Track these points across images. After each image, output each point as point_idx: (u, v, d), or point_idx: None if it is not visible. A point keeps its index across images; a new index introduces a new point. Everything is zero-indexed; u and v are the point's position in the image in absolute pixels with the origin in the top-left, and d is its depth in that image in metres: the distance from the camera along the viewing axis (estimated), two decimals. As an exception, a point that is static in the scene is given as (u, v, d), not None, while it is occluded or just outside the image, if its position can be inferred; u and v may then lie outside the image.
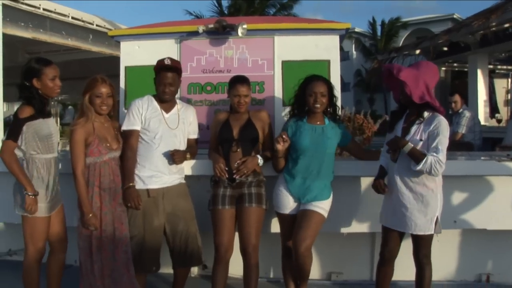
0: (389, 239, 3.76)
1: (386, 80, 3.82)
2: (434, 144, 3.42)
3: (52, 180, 3.71)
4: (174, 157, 3.78)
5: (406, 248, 4.56)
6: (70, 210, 3.84)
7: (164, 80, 3.83)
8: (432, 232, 3.57)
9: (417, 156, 3.42)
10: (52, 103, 3.68)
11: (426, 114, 3.56)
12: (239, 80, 3.95)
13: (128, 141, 3.82)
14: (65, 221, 3.89)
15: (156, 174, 3.82)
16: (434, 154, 3.37)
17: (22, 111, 3.56)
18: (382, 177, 3.81)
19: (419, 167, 3.40)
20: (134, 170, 3.81)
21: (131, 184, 3.75)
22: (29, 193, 3.52)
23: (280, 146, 3.70)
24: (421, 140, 3.49)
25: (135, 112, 3.85)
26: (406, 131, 3.59)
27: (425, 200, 3.52)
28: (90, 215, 3.61)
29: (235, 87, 3.91)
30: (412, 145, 3.46)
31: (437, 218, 3.56)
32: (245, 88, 3.91)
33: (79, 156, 3.63)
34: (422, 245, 3.61)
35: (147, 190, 3.79)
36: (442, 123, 3.47)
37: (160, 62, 3.89)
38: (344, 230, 4.28)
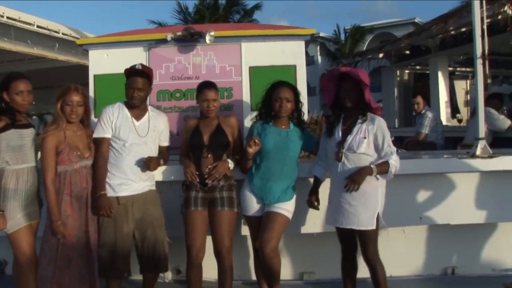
0: (342, 237, 3.89)
1: (326, 84, 3.89)
2: (385, 146, 3.64)
3: (28, 189, 3.72)
4: (149, 163, 3.82)
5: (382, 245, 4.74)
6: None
7: (133, 84, 3.86)
8: (373, 228, 3.69)
9: (384, 170, 3.61)
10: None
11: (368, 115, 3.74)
12: (206, 85, 4.02)
13: (99, 149, 3.84)
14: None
15: (125, 182, 3.85)
16: (391, 155, 3.60)
17: None
18: (315, 191, 3.98)
19: (391, 175, 3.64)
20: (105, 179, 3.83)
21: (102, 192, 3.77)
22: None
23: (252, 150, 3.77)
24: (364, 138, 3.65)
25: (106, 120, 3.87)
26: (348, 132, 3.73)
27: (368, 196, 3.66)
28: (59, 222, 3.62)
29: (203, 92, 3.97)
30: (375, 167, 3.60)
31: (378, 214, 3.70)
32: (213, 93, 3.97)
33: (49, 164, 3.66)
34: (367, 242, 3.72)
35: (117, 197, 3.83)
36: (382, 122, 3.71)
37: (131, 67, 3.93)
38: (314, 230, 4.36)
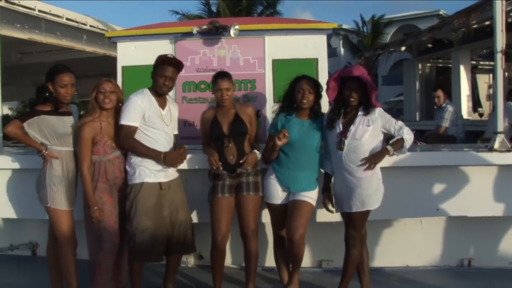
0: (345, 224, 4.03)
1: (334, 81, 4.00)
2: (392, 124, 3.88)
3: (69, 173, 3.94)
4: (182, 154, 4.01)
5: (391, 236, 4.82)
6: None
7: (164, 73, 3.94)
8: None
9: (399, 146, 3.85)
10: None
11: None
12: (220, 75, 4.10)
13: (127, 136, 3.89)
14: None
15: (163, 168, 3.95)
16: (402, 129, 3.87)
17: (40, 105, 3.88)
18: (327, 187, 4.13)
19: (405, 150, 3.88)
20: (149, 148, 3.91)
21: (162, 153, 3.89)
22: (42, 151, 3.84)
23: (280, 142, 3.87)
24: (368, 126, 3.83)
25: (137, 108, 3.88)
26: (349, 123, 3.88)
27: (361, 183, 3.82)
28: (95, 208, 3.82)
29: (217, 82, 4.06)
30: (390, 147, 3.84)
31: (363, 201, 3.83)
32: (226, 82, 4.04)
33: (86, 153, 3.85)
34: (350, 225, 3.93)
35: (160, 183, 3.93)
36: (380, 109, 3.92)
37: (163, 56, 4.02)
38: (332, 219, 4.44)
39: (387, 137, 3.99)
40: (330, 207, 4.12)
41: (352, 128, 3.84)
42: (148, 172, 3.90)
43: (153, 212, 3.88)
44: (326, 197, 4.11)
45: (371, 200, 3.83)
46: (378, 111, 3.87)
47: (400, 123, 3.90)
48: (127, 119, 3.89)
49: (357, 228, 3.91)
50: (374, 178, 3.85)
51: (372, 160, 3.79)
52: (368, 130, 3.81)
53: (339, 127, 3.92)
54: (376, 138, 3.87)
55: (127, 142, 3.90)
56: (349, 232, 3.94)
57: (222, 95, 4.02)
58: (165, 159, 3.89)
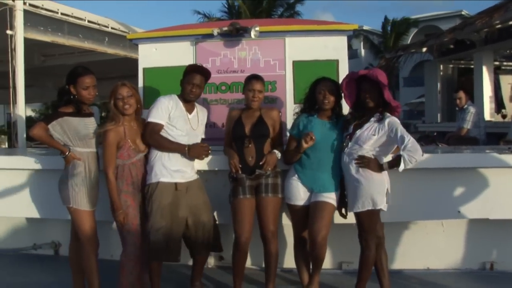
0: (357, 225, 4.03)
1: (346, 86, 4.01)
2: (398, 138, 3.71)
3: (91, 174, 3.97)
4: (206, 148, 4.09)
5: (411, 238, 4.79)
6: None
7: (193, 80, 4.06)
8: (384, 205, 3.84)
9: (395, 163, 3.74)
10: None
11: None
12: (255, 77, 4.19)
13: (152, 133, 4.00)
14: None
15: (181, 169, 4.03)
16: (405, 145, 3.64)
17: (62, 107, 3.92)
18: (343, 194, 4.11)
19: (402, 167, 3.69)
20: (174, 142, 4.02)
21: (186, 145, 4.01)
22: (66, 153, 3.89)
23: (306, 145, 3.90)
24: (373, 135, 3.80)
25: (164, 108, 4.01)
26: (359, 126, 3.88)
27: (359, 184, 3.81)
28: (120, 211, 3.89)
29: (250, 82, 4.14)
30: (386, 164, 3.81)
31: (363, 202, 3.81)
32: (259, 85, 4.13)
33: (111, 157, 3.91)
34: (360, 224, 3.93)
35: (175, 183, 4.00)
36: (392, 119, 3.82)
37: (192, 64, 4.23)
38: (352, 221, 4.44)
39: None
40: (343, 211, 4.13)
41: (358, 132, 3.85)
42: (165, 172, 3.98)
43: (168, 212, 3.94)
44: (341, 202, 4.12)
45: (372, 200, 3.80)
46: (388, 121, 3.80)
47: (403, 135, 3.71)
48: (154, 117, 4.02)
49: (366, 228, 3.89)
50: (375, 180, 3.82)
51: (366, 162, 3.80)
52: (372, 139, 3.81)
53: (351, 129, 3.93)
54: (378, 146, 3.85)
55: (152, 138, 4.01)
56: (360, 233, 3.95)
57: (254, 96, 4.10)
58: (190, 151, 3.99)
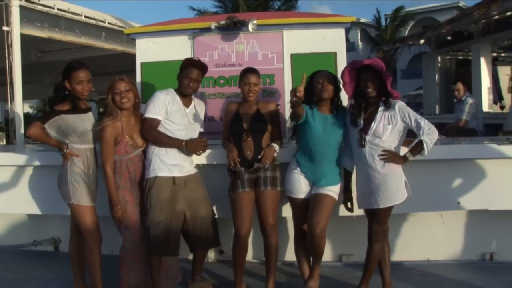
0: (369, 219, 4.02)
1: (348, 75, 3.97)
2: (412, 121, 3.73)
3: (90, 169, 3.97)
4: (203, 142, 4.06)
5: (411, 230, 4.79)
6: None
7: (190, 74, 4.06)
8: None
9: (418, 150, 3.74)
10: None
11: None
12: (250, 70, 4.19)
13: (150, 128, 4.00)
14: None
15: (178, 163, 4.03)
16: (423, 130, 3.67)
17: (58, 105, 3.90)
18: (347, 186, 4.13)
19: (426, 151, 3.71)
20: (172, 137, 4.02)
21: (183, 141, 4.00)
22: (64, 150, 3.88)
23: (296, 98, 3.67)
24: (389, 124, 3.77)
25: (160, 103, 4.01)
26: (370, 119, 3.84)
27: (386, 179, 3.79)
28: (118, 207, 3.89)
29: (246, 76, 4.13)
30: (410, 153, 3.79)
31: (388, 196, 3.80)
32: (255, 78, 4.13)
33: (109, 153, 3.90)
34: (374, 220, 3.91)
35: (173, 177, 3.99)
36: (401, 104, 3.82)
37: (189, 58, 4.20)
38: (353, 213, 4.46)
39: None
40: (349, 205, 4.13)
41: (374, 125, 3.80)
42: (163, 167, 3.97)
43: (167, 206, 3.94)
44: (347, 197, 4.13)
45: (397, 195, 3.79)
46: (398, 106, 3.78)
47: (418, 120, 3.74)
48: (151, 113, 4.02)
49: (381, 223, 3.89)
50: (397, 172, 3.82)
51: (392, 156, 3.76)
52: (389, 128, 3.76)
53: (361, 123, 3.88)
54: (397, 134, 3.82)
55: (149, 133, 4.00)
56: (373, 227, 3.92)
57: (249, 89, 4.10)
58: (187, 146, 3.98)
